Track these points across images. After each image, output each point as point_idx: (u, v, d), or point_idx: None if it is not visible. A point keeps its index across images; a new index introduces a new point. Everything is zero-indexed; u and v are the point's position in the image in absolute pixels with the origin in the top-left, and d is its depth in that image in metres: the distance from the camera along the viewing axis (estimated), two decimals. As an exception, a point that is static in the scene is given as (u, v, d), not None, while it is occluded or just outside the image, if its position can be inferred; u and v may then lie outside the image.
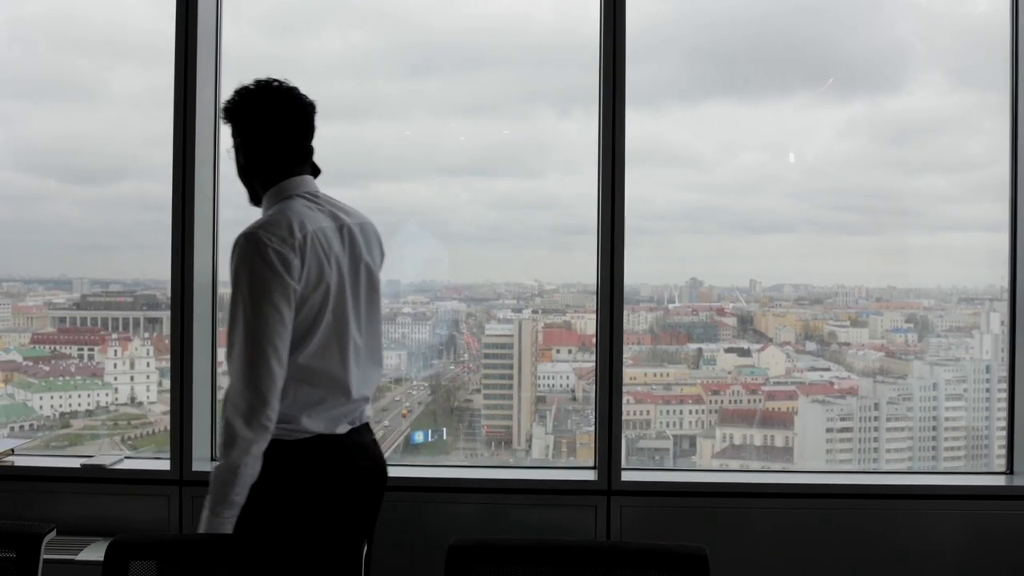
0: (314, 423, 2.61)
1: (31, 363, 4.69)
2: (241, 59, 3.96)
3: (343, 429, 2.68)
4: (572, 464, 4.40)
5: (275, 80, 2.74)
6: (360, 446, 2.76)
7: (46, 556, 2.33)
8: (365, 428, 2.80)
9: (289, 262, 2.49)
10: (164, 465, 3.81)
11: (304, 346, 2.57)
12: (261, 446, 2.45)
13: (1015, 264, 3.87)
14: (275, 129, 2.72)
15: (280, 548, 2.35)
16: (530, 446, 4.49)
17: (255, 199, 2.79)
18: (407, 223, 4.40)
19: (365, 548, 2.45)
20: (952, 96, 4.38)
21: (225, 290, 4.04)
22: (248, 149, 2.74)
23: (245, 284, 2.48)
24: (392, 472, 3.95)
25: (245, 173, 2.79)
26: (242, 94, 2.73)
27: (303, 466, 2.60)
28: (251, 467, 2.44)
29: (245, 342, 2.46)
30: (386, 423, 4.52)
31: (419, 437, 4.53)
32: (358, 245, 2.75)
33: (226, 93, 3.66)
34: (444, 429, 4.58)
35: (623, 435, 3.76)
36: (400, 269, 4.40)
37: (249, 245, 2.50)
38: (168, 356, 4.25)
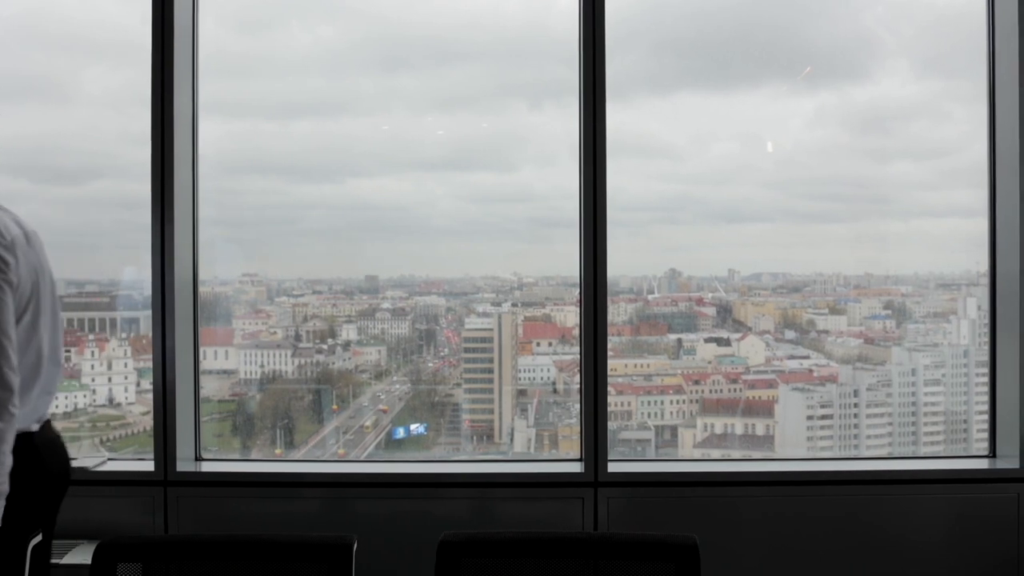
0: (22, 421, 2.62)
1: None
2: (212, 55, 3.92)
3: (35, 427, 2.72)
4: (558, 456, 4.39)
5: None
6: (51, 441, 2.80)
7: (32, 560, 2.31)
8: (49, 423, 2.83)
9: (7, 261, 2.52)
10: (147, 466, 3.79)
11: None
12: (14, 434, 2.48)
13: (994, 249, 3.90)
14: None
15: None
16: (512, 439, 4.49)
17: None
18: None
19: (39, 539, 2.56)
20: (919, 84, 4.41)
21: (205, 288, 4.01)
22: None
23: None
24: (377, 468, 3.97)
25: None
26: None
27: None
28: (9, 456, 2.44)
29: None
30: (370, 418, 4.51)
31: (400, 432, 4.52)
32: (42, 251, 2.78)
33: (204, 90, 3.63)
34: (426, 424, 4.57)
35: (605, 427, 3.78)
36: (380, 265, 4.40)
37: None
38: (145, 356, 4.21)
